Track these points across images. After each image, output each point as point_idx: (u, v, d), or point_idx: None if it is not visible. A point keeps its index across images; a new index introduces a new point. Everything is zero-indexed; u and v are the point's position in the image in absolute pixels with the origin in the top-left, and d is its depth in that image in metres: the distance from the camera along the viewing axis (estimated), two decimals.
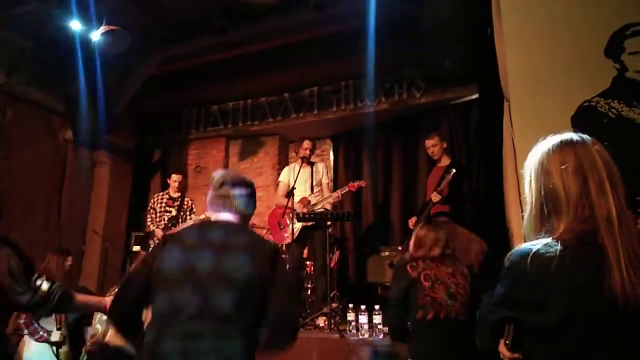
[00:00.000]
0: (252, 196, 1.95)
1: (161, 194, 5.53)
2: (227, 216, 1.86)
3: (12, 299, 1.79)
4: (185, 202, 5.42)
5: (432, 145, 4.45)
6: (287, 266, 1.84)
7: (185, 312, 1.61)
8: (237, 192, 1.88)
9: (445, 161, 4.46)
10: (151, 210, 5.41)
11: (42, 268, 3.76)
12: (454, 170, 4.08)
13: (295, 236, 4.44)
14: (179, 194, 5.45)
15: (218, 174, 1.95)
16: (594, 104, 3.05)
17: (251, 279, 1.67)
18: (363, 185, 4.74)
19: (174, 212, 5.29)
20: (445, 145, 4.49)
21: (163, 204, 5.36)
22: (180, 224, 5.21)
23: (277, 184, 6.62)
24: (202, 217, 5.50)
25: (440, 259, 2.57)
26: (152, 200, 5.49)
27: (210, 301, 1.62)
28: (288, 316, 1.78)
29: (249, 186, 1.95)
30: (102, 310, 2.02)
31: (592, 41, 3.11)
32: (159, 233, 5.15)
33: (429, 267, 2.53)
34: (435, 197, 4.17)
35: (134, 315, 1.78)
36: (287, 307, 1.76)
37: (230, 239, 1.77)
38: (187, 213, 5.36)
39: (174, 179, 5.42)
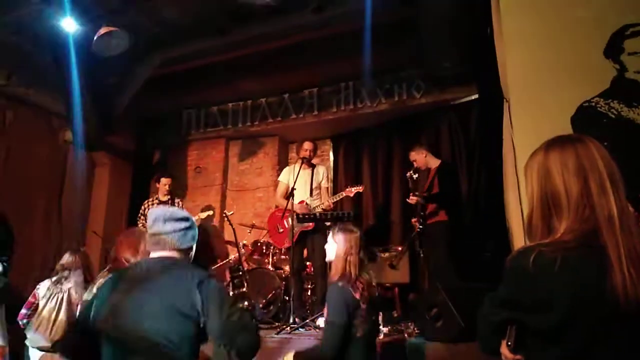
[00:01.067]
0: (187, 230, 1.90)
1: (150, 199, 5.57)
2: (161, 254, 1.86)
3: None
4: (176, 205, 5.43)
5: (413, 160, 4.58)
6: (219, 288, 1.83)
7: None
8: (170, 228, 1.86)
9: (434, 163, 4.53)
10: (141, 217, 5.43)
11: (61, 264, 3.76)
12: (411, 173, 4.28)
13: (295, 238, 4.43)
14: (169, 197, 5.47)
15: (151, 211, 1.95)
16: (593, 104, 3.05)
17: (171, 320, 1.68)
18: (361, 191, 4.74)
19: None
20: (424, 154, 4.57)
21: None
22: None
23: (276, 186, 6.64)
24: (203, 215, 5.53)
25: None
26: (142, 207, 5.51)
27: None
28: (231, 327, 1.72)
29: (184, 220, 1.91)
30: None
31: (591, 42, 3.11)
32: None
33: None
34: (412, 200, 4.29)
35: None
36: (225, 321, 1.71)
37: (152, 282, 1.77)
38: None
39: (164, 182, 5.48)
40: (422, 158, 4.54)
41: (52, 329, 3.42)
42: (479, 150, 5.42)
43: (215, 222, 6.62)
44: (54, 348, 3.32)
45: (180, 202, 5.58)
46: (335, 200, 4.71)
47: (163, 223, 1.85)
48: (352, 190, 4.66)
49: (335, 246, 2.60)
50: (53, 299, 3.48)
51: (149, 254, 1.89)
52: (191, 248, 1.94)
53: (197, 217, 5.13)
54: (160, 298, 1.70)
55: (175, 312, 1.67)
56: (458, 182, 4.55)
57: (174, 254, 1.86)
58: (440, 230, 4.25)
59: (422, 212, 4.24)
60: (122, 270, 1.98)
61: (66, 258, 3.64)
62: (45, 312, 3.45)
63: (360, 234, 2.66)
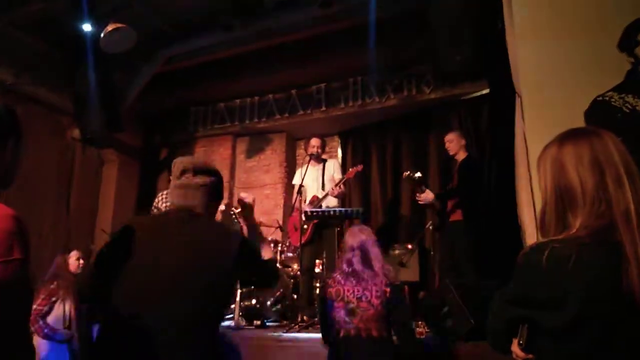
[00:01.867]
0: (216, 185, 1.81)
1: (165, 192, 5.55)
2: (189, 205, 1.73)
3: None
4: None
5: (449, 140, 4.47)
6: (255, 248, 1.81)
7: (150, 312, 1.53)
8: (200, 180, 1.75)
9: (462, 156, 4.44)
10: (154, 210, 5.42)
11: (51, 271, 3.79)
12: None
13: (307, 237, 4.42)
14: None
15: (179, 161, 1.81)
16: (607, 98, 2.99)
17: (214, 277, 1.61)
18: (360, 170, 4.68)
19: None
20: (463, 143, 4.45)
21: (167, 203, 5.39)
22: None
23: (284, 182, 6.63)
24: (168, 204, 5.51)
25: (351, 272, 2.46)
26: (156, 199, 5.51)
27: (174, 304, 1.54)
28: (264, 274, 1.80)
29: (214, 174, 1.80)
30: None
31: (605, 34, 3.04)
32: None
33: (331, 285, 2.48)
34: (420, 200, 4.25)
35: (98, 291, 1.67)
36: (259, 269, 1.78)
37: (192, 231, 1.67)
38: None
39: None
40: (457, 144, 4.41)
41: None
42: (490, 146, 5.35)
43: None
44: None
45: None
46: (338, 184, 4.64)
47: (194, 174, 1.75)
48: (352, 171, 4.63)
49: None
50: None
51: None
52: (218, 203, 1.86)
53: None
54: (194, 250, 1.62)
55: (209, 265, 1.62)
56: (477, 180, 4.44)
57: (201, 207, 1.74)
58: (456, 230, 4.16)
59: (441, 208, 4.19)
60: (142, 219, 1.89)
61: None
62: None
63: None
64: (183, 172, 1.75)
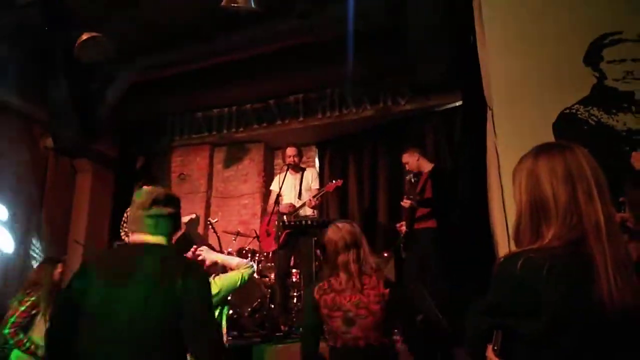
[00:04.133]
0: (179, 215, 1.87)
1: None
2: (152, 239, 1.77)
3: None
4: None
5: (405, 162, 4.55)
6: (203, 281, 1.81)
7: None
8: (171, 210, 1.80)
9: (427, 167, 4.50)
10: (124, 225, 5.36)
11: (33, 277, 3.69)
12: (410, 177, 4.28)
13: (281, 242, 4.42)
14: None
15: (149, 191, 1.84)
16: (574, 111, 3.11)
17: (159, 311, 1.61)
18: (339, 185, 4.73)
19: None
20: (417, 157, 4.51)
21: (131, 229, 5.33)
22: None
23: (262, 192, 6.62)
24: (186, 219, 5.47)
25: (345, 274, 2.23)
26: (125, 214, 5.45)
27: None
28: (203, 327, 1.66)
29: (178, 204, 1.85)
30: None
31: (572, 50, 3.17)
32: None
33: (327, 291, 2.22)
34: (405, 203, 4.26)
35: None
36: (199, 318, 1.66)
37: (141, 267, 1.69)
38: None
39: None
40: (414, 161, 4.49)
41: None
42: (463, 157, 5.47)
43: (200, 229, 6.55)
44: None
45: None
46: (317, 195, 4.68)
47: (164, 205, 1.78)
48: (332, 185, 4.67)
49: None
50: None
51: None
52: (177, 232, 1.89)
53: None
54: (147, 287, 1.63)
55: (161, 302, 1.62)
56: (452, 188, 4.52)
57: (161, 239, 1.78)
58: (427, 236, 4.23)
59: (411, 216, 4.24)
60: (97, 257, 1.89)
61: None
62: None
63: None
64: (155, 202, 1.78)
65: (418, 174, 4.40)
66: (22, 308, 3.41)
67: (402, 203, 4.32)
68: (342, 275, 2.23)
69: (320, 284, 2.29)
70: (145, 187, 1.91)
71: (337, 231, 2.31)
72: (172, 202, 1.83)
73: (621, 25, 3.07)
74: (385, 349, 2.19)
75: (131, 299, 1.61)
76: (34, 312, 3.45)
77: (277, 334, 3.87)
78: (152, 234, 1.76)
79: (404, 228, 4.29)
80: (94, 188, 6.46)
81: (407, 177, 4.39)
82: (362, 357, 2.14)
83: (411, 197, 4.21)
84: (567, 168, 1.21)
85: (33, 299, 3.47)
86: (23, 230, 5.57)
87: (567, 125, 3.09)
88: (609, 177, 1.24)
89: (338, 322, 2.16)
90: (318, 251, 4.17)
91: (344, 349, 2.16)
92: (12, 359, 3.39)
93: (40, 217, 5.82)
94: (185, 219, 5.51)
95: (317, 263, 4.47)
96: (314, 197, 4.61)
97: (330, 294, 2.21)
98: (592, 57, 3.12)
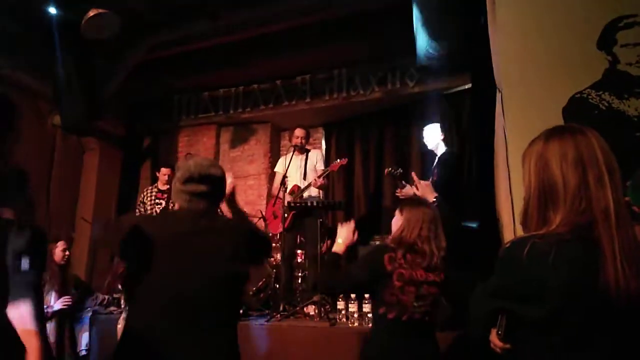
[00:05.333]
0: (220, 189, 1.90)
1: (150, 187, 5.61)
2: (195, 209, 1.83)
3: None
4: None
5: (426, 135, 4.47)
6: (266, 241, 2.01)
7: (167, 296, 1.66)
8: (204, 188, 1.81)
9: (441, 150, 4.47)
10: (141, 205, 5.47)
11: None
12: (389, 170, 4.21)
13: (287, 224, 4.44)
14: (168, 187, 5.49)
15: (185, 166, 1.86)
16: (585, 95, 3.06)
17: (229, 265, 1.72)
18: (344, 164, 4.72)
19: (163, 204, 5.40)
20: (442, 137, 4.48)
21: (153, 197, 5.45)
22: None
23: (267, 173, 6.64)
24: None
25: (421, 251, 2.27)
26: (141, 195, 5.58)
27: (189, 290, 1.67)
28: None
29: (217, 180, 1.86)
30: None
31: (584, 33, 3.11)
32: None
33: (404, 266, 2.23)
34: (401, 195, 4.23)
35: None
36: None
37: (205, 225, 1.79)
38: None
39: (163, 172, 5.56)
40: (437, 137, 4.42)
41: None
42: (471, 140, 5.43)
43: None
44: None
45: None
46: (322, 175, 4.67)
47: (198, 182, 1.81)
48: (336, 164, 4.67)
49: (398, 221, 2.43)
50: None
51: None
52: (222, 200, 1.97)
53: None
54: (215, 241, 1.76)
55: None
56: (456, 174, 4.48)
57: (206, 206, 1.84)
58: None
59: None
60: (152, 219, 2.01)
61: None
62: None
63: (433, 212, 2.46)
64: (189, 179, 1.81)
65: (397, 171, 4.34)
66: None
67: (397, 194, 4.32)
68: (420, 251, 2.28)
69: (393, 254, 2.29)
70: (188, 159, 1.95)
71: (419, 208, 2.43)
72: (208, 179, 1.82)
73: (637, 8, 3.00)
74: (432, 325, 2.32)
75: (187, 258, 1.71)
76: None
77: (282, 313, 3.92)
78: (189, 207, 1.81)
79: None
80: (101, 166, 6.50)
81: (386, 171, 4.30)
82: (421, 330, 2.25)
83: (402, 185, 4.20)
84: (578, 152, 1.18)
85: None
86: None
87: (577, 110, 3.05)
88: (619, 162, 1.22)
89: (411, 296, 2.21)
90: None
91: (410, 321, 2.22)
92: None
93: (48, 194, 5.87)
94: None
95: (322, 244, 4.49)
96: (319, 176, 4.60)
97: (407, 269, 2.24)
98: (606, 41, 3.05)
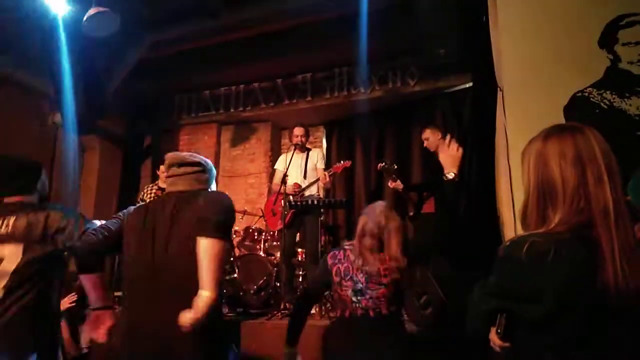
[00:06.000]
0: (201, 173, 2.06)
1: (150, 185, 5.58)
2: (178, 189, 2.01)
3: None
4: None
5: (425, 138, 4.50)
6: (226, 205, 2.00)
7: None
8: (183, 170, 2.02)
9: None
10: (140, 202, 5.43)
11: None
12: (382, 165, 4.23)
13: (287, 222, 4.44)
14: None
15: (167, 156, 2.11)
16: (586, 94, 3.05)
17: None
18: (347, 166, 4.73)
19: None
20: (440, 136, 4.48)
21: (152, 195, 5.41)
22: None
23: (268, 172, 6.63)
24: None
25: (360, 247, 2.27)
26: (141, 192, 5.54)
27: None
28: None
29: (196, 165, 2.05)
30: None
31: (586, 32, 3.10)
32: None
33: (341, 261, 2.28)
34: (393, 186, 4.30)
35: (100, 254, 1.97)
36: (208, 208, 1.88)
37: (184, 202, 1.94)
38: None
39: (162, 170, 5.47)
40: (436, 139, 4.43)
41: None
42: (472, 139, 5.42)
43: None
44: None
45: None
46: (328, 174, 4.67)
47: (178, 167, 2.03)
48: (339, 166, 4.67)
49: None
50: None
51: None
52: (205, 186, 2.07)
53: None
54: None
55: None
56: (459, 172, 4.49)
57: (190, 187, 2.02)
58: (428, 221, 4.23)
59: (417, 200, 4.24)
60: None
61: None
62: None
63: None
64: (170, 165, 2.06)
65: (392, 166, 4.33)
66: None
67: (390, 185, 4.35)
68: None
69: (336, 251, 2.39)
70: (167, 154, 2.14)
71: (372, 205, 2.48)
72: (186, 164, 2.04)
73: (638, 7, 2.99)
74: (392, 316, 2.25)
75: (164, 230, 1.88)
76: None
77: (282, 312, 3.92)
78: (173, 188, 2.04)
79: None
80: (102, 165, 6.51)
81: (379, 166, 4.34)
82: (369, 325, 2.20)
83: (394, 179, 4.21)
84: (577, 151, 1.18)
85: None
86: None
87: (578, 109, 3.04)
88: (620, 161, 1.21)
89: (347, 291, 2.23)
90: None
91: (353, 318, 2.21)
92: None
93: (49, 193, 5.87)
94: None
95: (322, 242, 4.50)
96: (327, 173, 4.61)
97: (342, 263, 2.30)
98: (607, 39, 3.05)
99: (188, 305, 1.68)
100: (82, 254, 1.94)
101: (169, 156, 2.10)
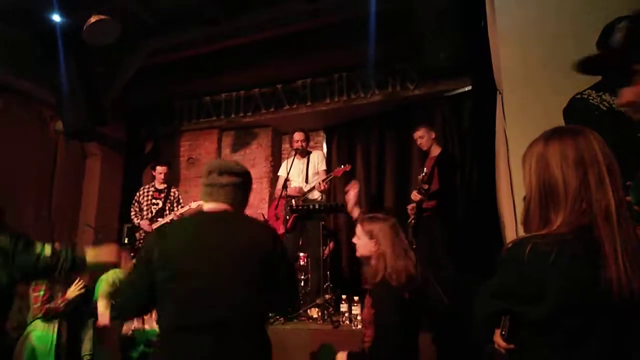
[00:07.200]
0: (242, 185, 1.92)
1: (147, 186, 5.55)
2: (216, 206, 1.87)
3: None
4: (172, 193, 5.45)
5: (419, 137, 4.52)
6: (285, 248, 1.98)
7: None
8: (225, 180, 1.87)
9: (435, 151, 4.50)
10: (135, 204, 5.43)
11: None
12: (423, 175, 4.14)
13: (289, 226, 4.45)
14: (165, 186, 5.47)
15: (208, 163, 1.97)
16: (585, 96, 3.06)
17: (255, 265, 1.74)
18: (347, 170, 4.74)
19: (160, 204, 5.33)
20: (433, 136, 4.52)
21: (149, 197, 5.38)
22: (167, 215, 5.24)
23: (269, 177, 6.65)
24: (194, 205, 5.48)
25: None
26: (137, 194, 5.51)
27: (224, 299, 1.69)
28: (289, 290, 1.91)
29: (239, 175, 1.91)
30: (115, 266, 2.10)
31: (584, 34, 3.12)
32: (145, 225, 5.18)
33: None
34: (415, 197, 4.22)
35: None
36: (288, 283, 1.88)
37: (224, 230, 1.80)
38: (174, 204, 5.38)
39: (159, 170, 5.47)
40: (429, 138, 4.48)
41: None
42: (472, 142, 5.44)
43: None
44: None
45: (177, 191, 5.57)
46: (325, 180, 4.68)
47: (219, 174, 1.87)
48: (339, 170, 4.68)
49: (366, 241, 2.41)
50: None
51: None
52: (244, 202, 1.98)
53: (187, 207, 5.12)
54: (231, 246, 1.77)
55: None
56: (453, 175, 4.52)
57: (227, 206, 1.88)
58: (435, 223, 4.24)
59: (419, 207, 4.24)
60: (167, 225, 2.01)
61: None
62: None
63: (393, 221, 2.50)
64: (209, 172, 1.91)
65: (430, 177, 4.33)
66: (40, 293, 3.49)
67: (412, 196, 4.31)
68: None
69: None
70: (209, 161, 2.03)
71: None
72: (228, 172, 1.89)
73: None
74: None
75: (210, 255, 1.75)
76: (49, 293, 3.52)
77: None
78: (210, 199, 1.90)
79: (412, 213, 4.30)
80: (104, 172, 6.52)
81: (420, 177, 4.28)
82: None
83: (422, 191, 4.18)
84: (578, 153, 1.19)
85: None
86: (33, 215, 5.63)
87: (578, 110, 3.05)
88: (620, 162, 1.22)
89: None
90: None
91: None
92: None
93: (51, 199, 5.89)
94: (194, 204, 5.49)
95: (324, 247, 4.50)
96: (323, 181, 4.61)
97: None
98: (605, 42, 3.07)
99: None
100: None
101: (212, 163, 1.98)
